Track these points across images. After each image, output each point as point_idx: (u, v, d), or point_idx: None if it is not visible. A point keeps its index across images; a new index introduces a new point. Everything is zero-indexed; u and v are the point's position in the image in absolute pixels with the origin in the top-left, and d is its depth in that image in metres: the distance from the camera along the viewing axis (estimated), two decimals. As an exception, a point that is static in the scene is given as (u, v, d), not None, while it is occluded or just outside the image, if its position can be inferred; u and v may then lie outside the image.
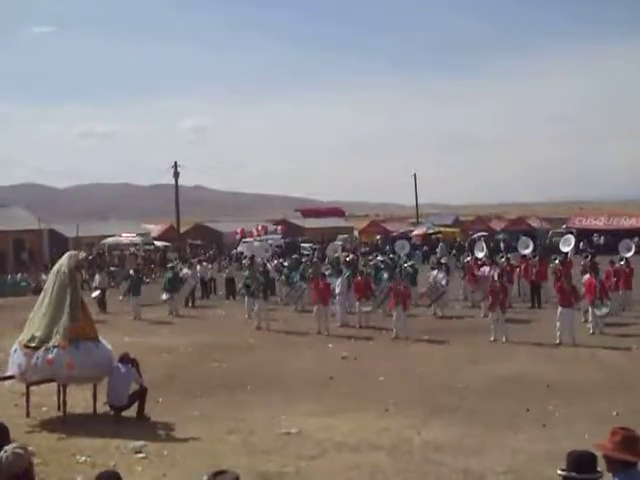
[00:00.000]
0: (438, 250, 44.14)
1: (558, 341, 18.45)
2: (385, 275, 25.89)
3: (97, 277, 30.17)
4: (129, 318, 25.78)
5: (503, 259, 28.83)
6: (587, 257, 27.11)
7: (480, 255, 29.58)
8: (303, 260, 32.48)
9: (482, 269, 26.19)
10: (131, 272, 29.35)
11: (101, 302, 28.04)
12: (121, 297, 28.88)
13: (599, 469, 4.63)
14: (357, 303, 23.09)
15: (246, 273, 26.37)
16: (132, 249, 50.75)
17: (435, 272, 25.91)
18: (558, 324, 18.73)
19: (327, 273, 25.66)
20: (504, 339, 19.12)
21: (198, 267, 33.15)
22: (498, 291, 20.01)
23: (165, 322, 25.25)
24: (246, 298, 25.09)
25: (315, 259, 33.11)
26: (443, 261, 30.22)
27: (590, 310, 20.19)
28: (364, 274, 24.51)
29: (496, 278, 21.36)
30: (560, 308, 18.94)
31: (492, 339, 19.29)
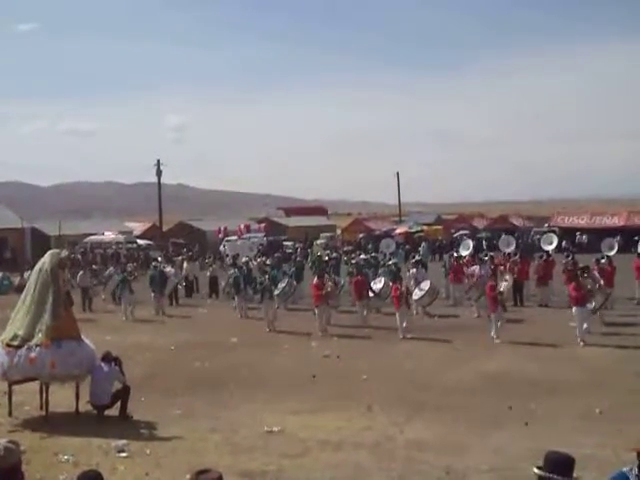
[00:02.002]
0: (421, 249, 44.14)
1: (582, 343, 18.03)
2: (370, 273, 25.96)
3: (79, 275, 29.93)
4: (112, 317, 25.57)
5: (486, 257, 28.86)
6: (568, 256, 27.27)
7: (464, 253, 29.63)
8: (292, 258, 32.43)
9: (472, 268, 26.10)
10: (111, 269, 29.22)
11: (85, 300, 27.91)
12: (103, 296, 28.82)
13: (575, 475, 4.64)
14: (357, 303, 23.14)
15: (230, 272, 26.25)
16: (114, 247, 50.61)
17: (414, 270, 25.91)
18: (576, 324, 18.49)
19: (312, 271, 25.64)
20: (497, 338, 18.95)
21: (185, 265, 32.97)
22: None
23: (148, 320, 25.13)
24: (236, 298, 25.01)
25: (298, 258, 33.07)
26: (417, 258, 30.21)
27: (575, 309, 20.20)
28: (358, 273, 24.42)
29: (490, 275, 21.43)
30: (575, 308, 18.69)
31: (495, 338, 18.90)
